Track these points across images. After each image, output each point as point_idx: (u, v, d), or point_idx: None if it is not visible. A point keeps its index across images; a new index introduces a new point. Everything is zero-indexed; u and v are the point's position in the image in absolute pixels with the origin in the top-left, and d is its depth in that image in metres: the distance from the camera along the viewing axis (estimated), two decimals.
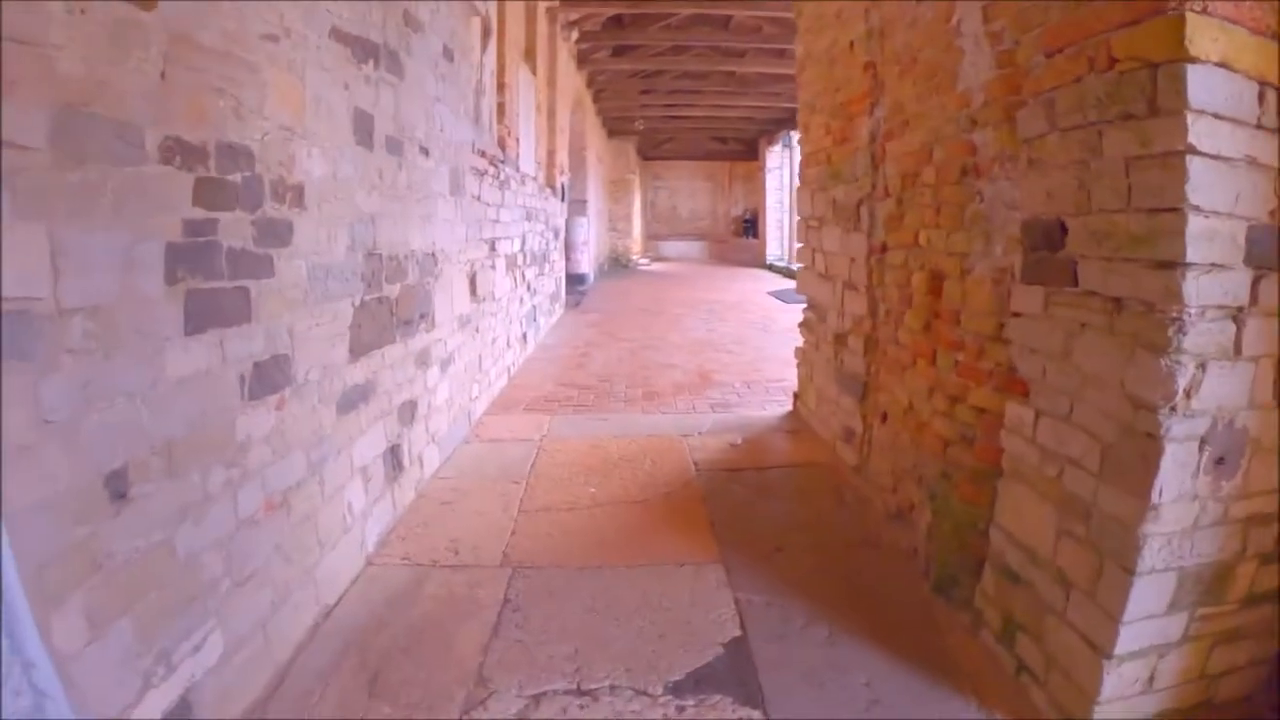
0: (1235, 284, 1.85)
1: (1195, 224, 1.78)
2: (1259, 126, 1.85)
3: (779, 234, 25.07)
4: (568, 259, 14.04)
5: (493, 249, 5.55)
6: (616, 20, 11.99)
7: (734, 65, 13.97)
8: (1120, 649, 1.96)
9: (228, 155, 2.09)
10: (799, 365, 5.40)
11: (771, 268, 23.26)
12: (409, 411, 3.73)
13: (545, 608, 2.79)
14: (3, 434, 1.35)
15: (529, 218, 7.26)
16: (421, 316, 3.86)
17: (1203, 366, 1.83)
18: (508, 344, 6.35)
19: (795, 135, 20.14)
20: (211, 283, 2.04)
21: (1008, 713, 2.24)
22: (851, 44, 4.13)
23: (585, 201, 15.55)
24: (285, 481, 2.48)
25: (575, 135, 14.22)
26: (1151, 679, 2.04)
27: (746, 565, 3.14)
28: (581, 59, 12.81)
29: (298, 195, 2.49)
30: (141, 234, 1.74)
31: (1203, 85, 1.77)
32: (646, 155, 27.76)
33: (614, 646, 2.53)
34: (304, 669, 2.39)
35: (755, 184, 28.60)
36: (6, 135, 1.34)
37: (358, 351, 3.06)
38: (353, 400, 3.03)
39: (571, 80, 12.04)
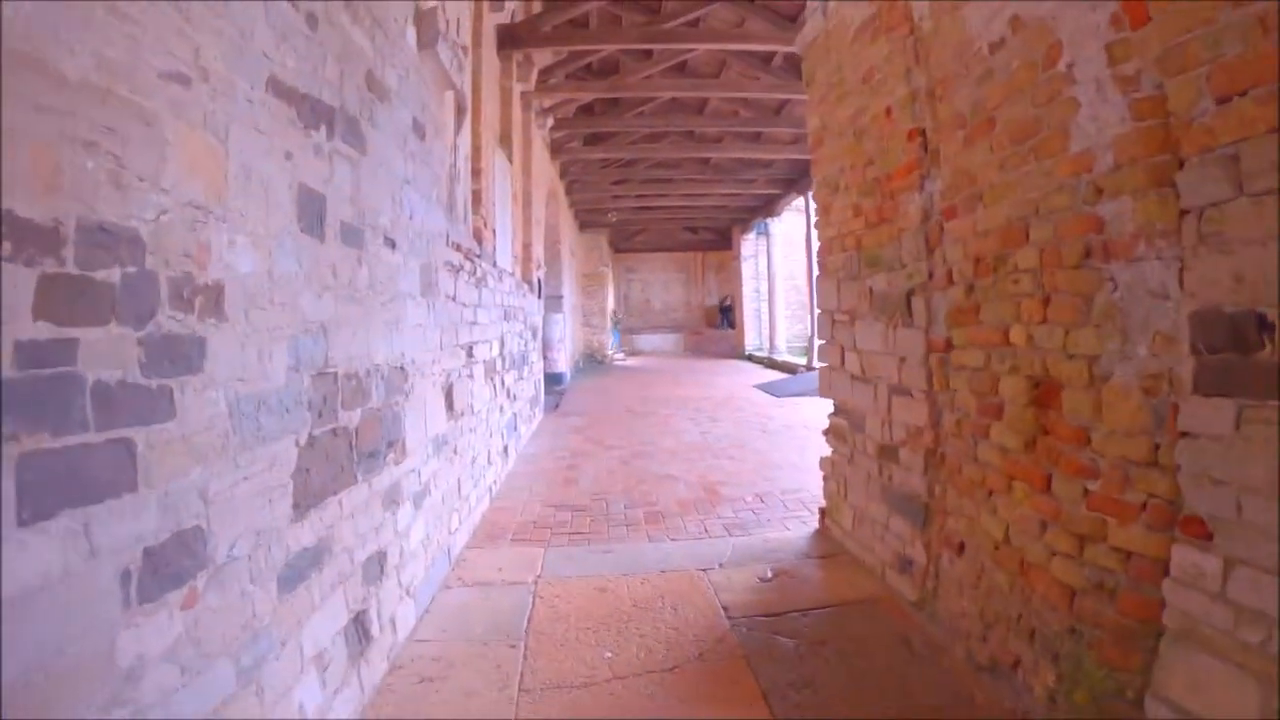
0: None
1: None
2: None
3: (757, 323, 24.85)
4: (544, 358, 13.45)
5: (470, 355, 4.89)
6: (589, 109, 11.80)
7: (709, 151, 13.82)
8: None
9: (99, 242, 1.43)
10: (827, 479, 4.73)
11: (751, 358, 22.90)
12: (377, 566, 2.97)
13: None
14: None
15: (507, 317, 6.65)
16: (389, 445, 3.15)
17: None
18: (489, 460, 5.62)
19: (772, 222, 20.24)
20: (65, 438, 1.35)
21: None
22: (889, 110, 3.64)
23: (561, 297, 15.07)
24: (204, 707, 1.73)
25: (550, 228, 13.85)
26: None
27: None
28: (555, 149, 12.55)
29: (213, 300, 1.82)
30: None
31: None
32: (619, 248, 27.72)
33: None
34: None
35: (728, 273, 28.61)
36: None
37: (306, 504, 2.33)
38: (301, 570, 2.29)
39: (546, 170, 11.71)
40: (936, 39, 3.22)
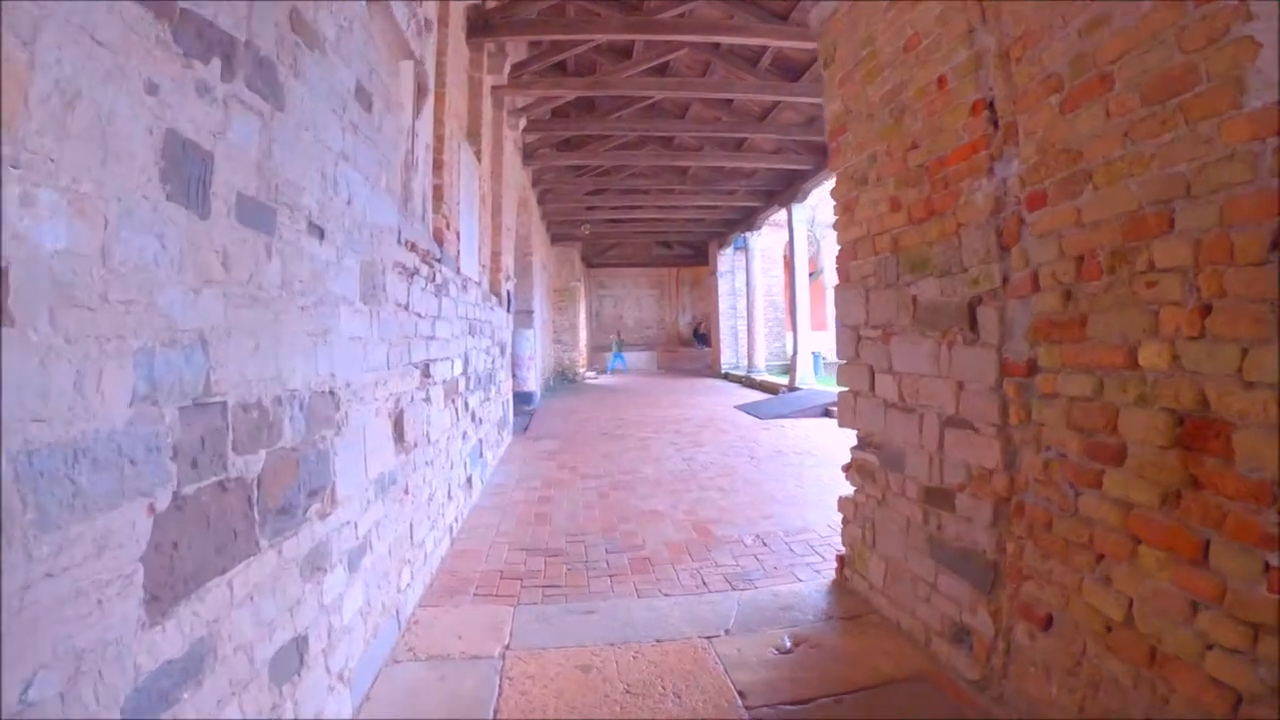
0: None
1: None
2: None
3: (733, 341, 24.31)
4: (514, 376, 12.74)
5: (427, 375, 4.16)
6: (564, 112, 11.17)
7: (689, 160, 13.24)
8: None
9: None
10: (847, 522, 4.07)
11: (728, 377, 22.34)
12: (293, 658, 2.23)
13: None
14: None
15: (472, 331, 5.92)
16: (312, 495, 2.42)
17: None
18: (449, 495, 4.88)
19: (750, 236, 19.69)
20: None
21: None
22: (942, 81, 3.01)
23: (531, 312, 14.35)
24: None
25: (521, 239, 13.14)
26: None
27: None
28: (528, 153, 11.87)
29: None
30: None
31: None
32: (591, 262, 27.15)
33: None
34: None
35: (703, 289, 28.15)
36: None
37: (171, 596, 1.60)
38: (165, 692, 1.57)
39: (518, 175, 11.03)
40: None
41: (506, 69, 7.78)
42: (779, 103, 11.46)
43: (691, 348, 29.04)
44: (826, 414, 11.56)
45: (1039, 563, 2.58)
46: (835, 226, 4.02)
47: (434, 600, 3.97)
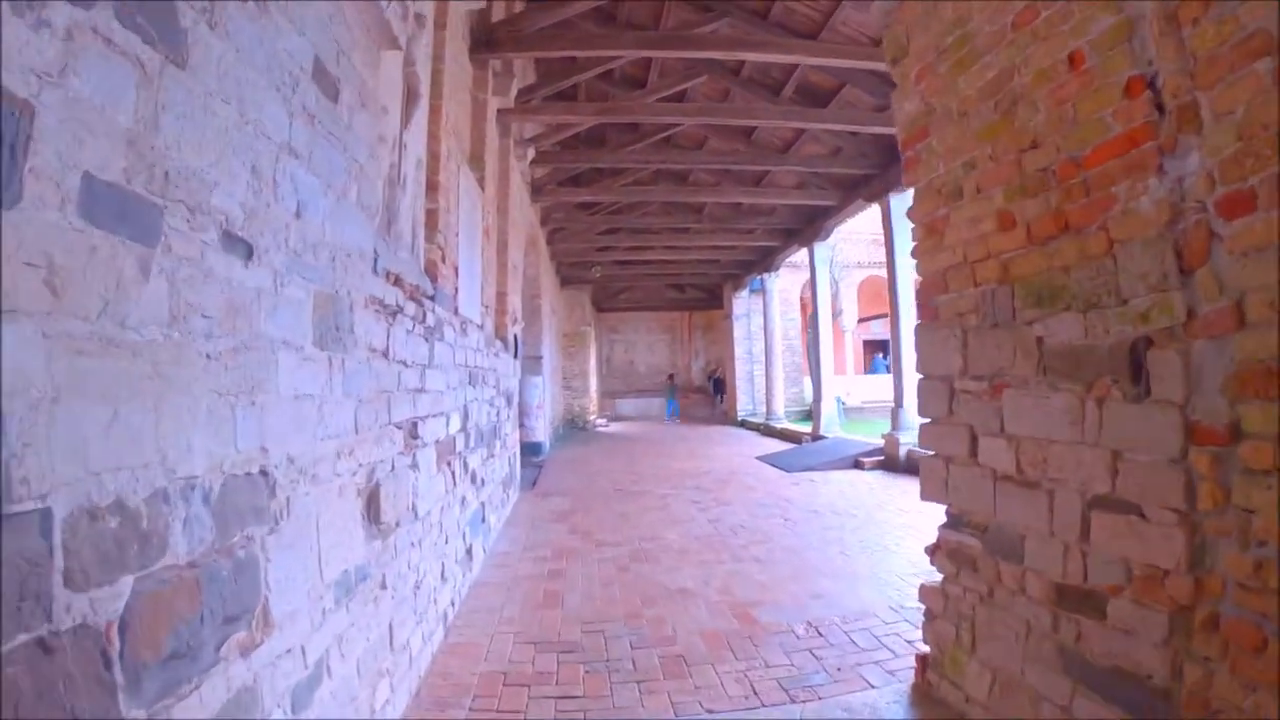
0: None
1: None
2: None
3: (749, 387, 23.60)
4: (521, 425, 12.06)
5: (414, 436, 3.45)
6: (573, 144, 10.64)
7: (707, 195, 12.67)
8: None
9: None
10: (934, 617, 3.29)
11: (745, 424, 21.58)
12: None
13: None
14: None
15: (472, 381, 5.22)
16: (230, 623, 1.70)
17: None
18: (442, 576, 4.13)
19: (768, 277, 19.05)
20: None
21: None
22: (1075, 59, 2.34)
23: (540, 358, 13.69)
24: None
25: (529, 280, 12.55)
26: None
27: None
28: (536, 189, 11.31)
29: None
30: None
31: None
32: (602, 306, 26.63)
33: None
34: None
35: (717, 333, 27.52)
36: None
37: None
38: None
39: (525, 212, 10.47)
40: None
41: (513, 91, 7.21)
42: (803, 133, 10.93)
43: (705, 394, 28.31)
44: (857, 465, 10.79)
45: (1238, 696, 1.85)
46: (915, 254, 3.32)
47: (420, 713, 3.21)
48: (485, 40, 6.20)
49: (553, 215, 13.87)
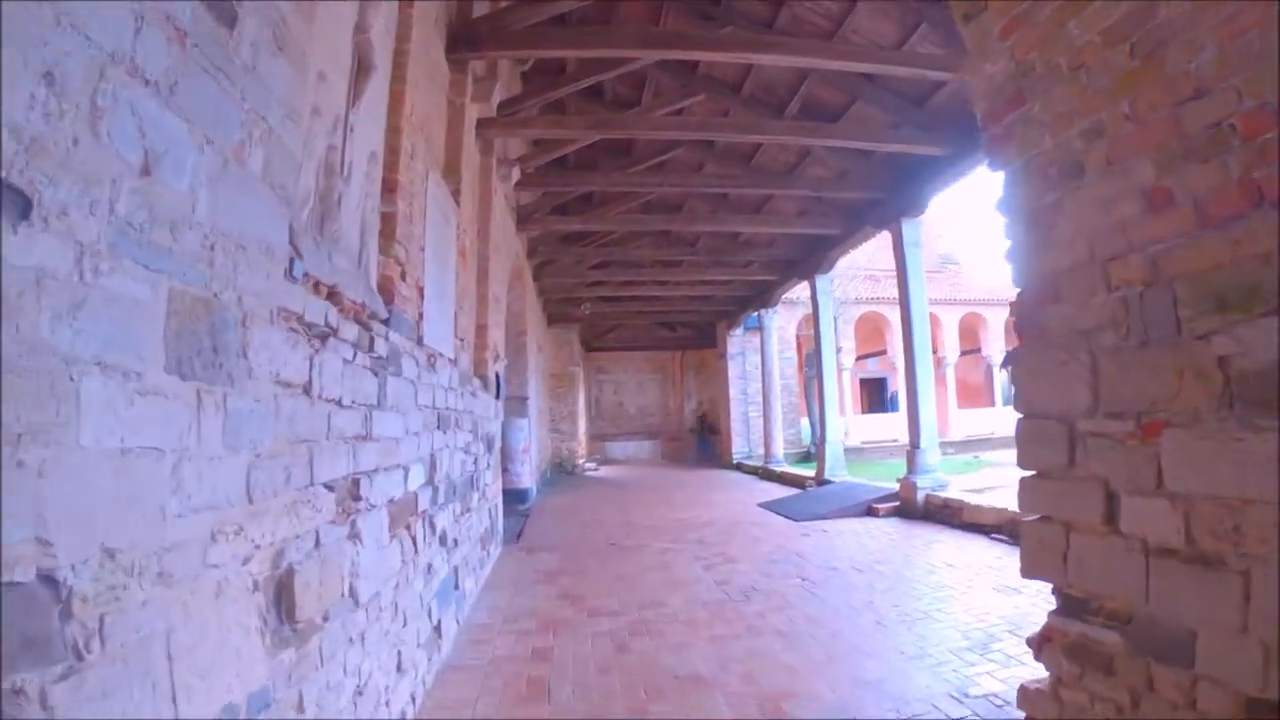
0: None
1: None
2: None
3: (745, 428, 22.85)
4: (505, 470, 11.26)
5: (354, 497, 2.66)
6: (562, 167, 9.99)
7: (706, 223, 12.07)
8: None
9: None
10: None
11: (740, 467, 20.76)
12: None
13: None
14: None
15: (443, 425, 4.44)
16: None
17: None
18: (398, 668, 3.32)
19: (766, 313, 18.38)
20: None
21: None
22: None
23: (526, 399, 12.89)
24: None
25: (514, 316, 11.82)
26: None
27: None
28: (521, 217, 10.63)
29: None
30: None
31: None
32: (590, 346, 25.94)
33: None
34: None
35: (709, 373, 26.85)
36: None
37: None
38: None
39: (510, 240, 9.76)
40: None
41: (496, 99, 6.54)
42: (807, 155, 10.36)
43: (696, 436, 27.53)
44: (870, 512, 10.00)
45: None
46: (1009, 255, 2.61)
47: None
48: (465, 38, 5.53)
49: (540, 247, 13.20)
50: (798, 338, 24.30)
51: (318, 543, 2.29)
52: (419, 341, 3.93)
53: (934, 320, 24.33)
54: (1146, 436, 2.04)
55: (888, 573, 6.53)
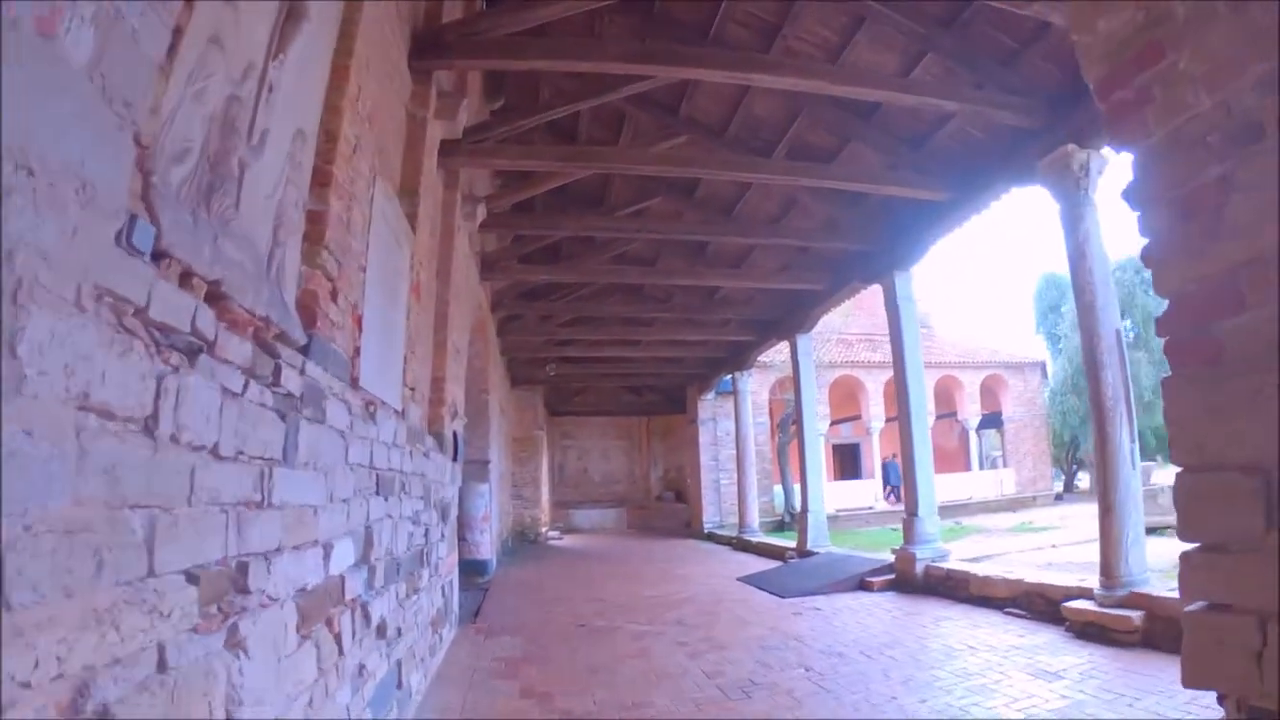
0: None
1: None
2: None
3: (716, 496, 22.07)
4: (464, 540, 10.37)
5: (240, 589, 1.86)
6: (528, 210, 9.37)
7: (682, 278, 11.50)
8: None
9: None
10: None
11: (712, 537, 19.87)
12: None
13: None
14: None
15: (383, 489, 3.64)
16: None
17: None
18: None
19: (741, 376, 17.63)
20: None
21: None
22: None
23: (488, 463, 12.01)
24: None
25: (476, 373, 11.04)
26: None
27: None
28: (485, 267, 9.94)
29: None
30: None
31: None
32: (556, 410, 25.15)
33: None
34: None
35: (677, 440, 26.14)
36: None
37: None
38: None
39: (474, 290, 9.06)
40: None
41: (462, 119, 5.88)
42: (792, 207, 9.85)
43: (664, 504, 26.68)
44: (863, 586, 9.21)
45: None
46: (1149, 254, 1.95)
47: None
48: (431, 44, 4.87)
49: (504, 300, 12.48)
50: (770, 402, 23.71)
51: (162, 664, 1.49)
52: (353, 384, 3.16)
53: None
54: None
55: (902, 658, 5.74)
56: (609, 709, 4.75)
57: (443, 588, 6.31)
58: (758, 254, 11.62)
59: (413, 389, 4.76)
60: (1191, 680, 1.88)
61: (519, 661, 6.15)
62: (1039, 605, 6.77)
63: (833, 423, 26.61)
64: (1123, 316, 27.96)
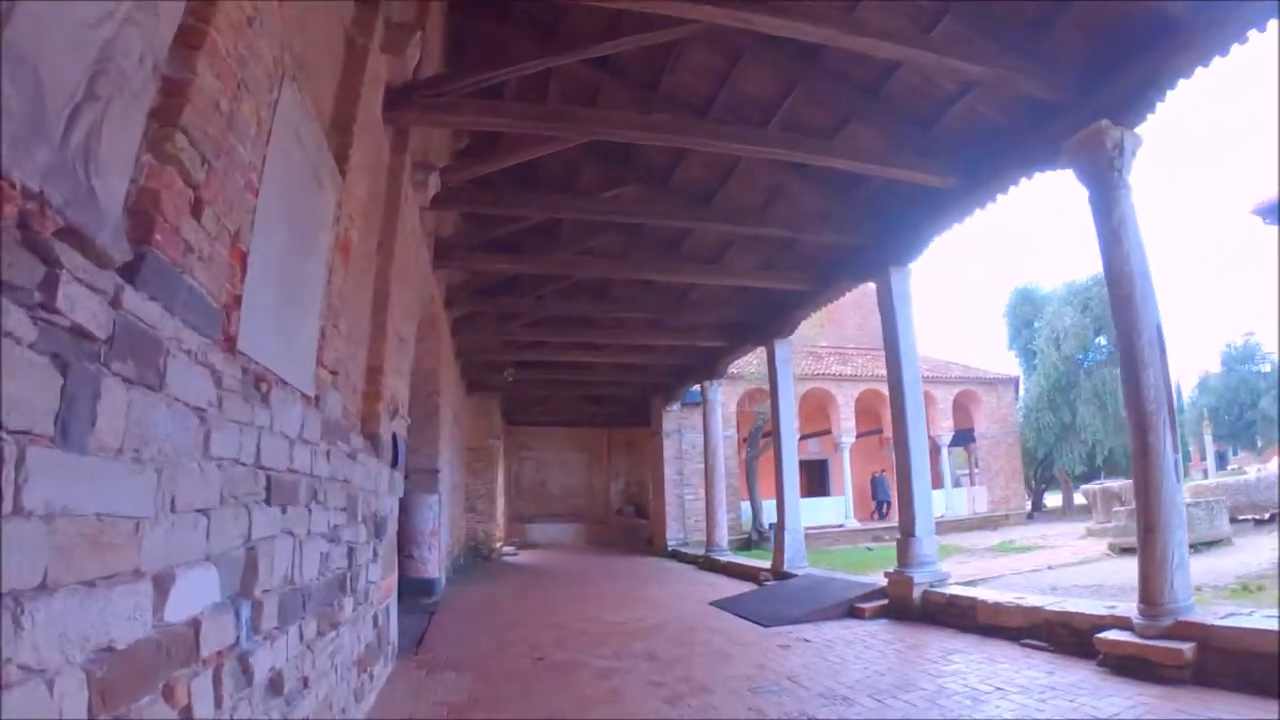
0: None
1: None
2: None
3: (680, 512, 21.22)
4: (407, 557, 9.43)
5: None
6: (489, 186, 8.47)
7: (654, 273, 10.71)
8: None
9: None
10: None
11: (677, 555, 18.95)
12: None
13: None
14: None
15: (278, 496, 2.71)
16: None
17: None
18: None
19: (710, 386, 16.71)
20: None
21: None
22: None
23: (437, 472, 11.03)
24: None
25: (426, 374, 10.11)
26: None
27: None
28: (440, 254, 9.01)
29: None
30: None
31: None
32: (513, 419, 24.19)
33: None
34: None
35: (639, 453, 25.35)
36: None
37: None
38: None
39: (425, 277, 8.13)
40: None
41: (412, 60, 4.98)
42: (777, 198, 9.10)
43: (624, 520, 25.84)
44: (853, 613, 8.41)
45: None
46: None
47: None
48: None
49: (460, 296, 11.53)
50: (739, 414, 22.97)
51: None
52: (226, 344, 2.26)
53: (878, 399, 23.41)
54: None
55: (921, 704, 4.90)
56: None
57: (375, 616, 5.36)
58: (736, 250, 10.83)
59: (334, 372, 3.84)
60: None
61: (464, 707, 5.21)
62: (1062, 636, 6.03)
63: (801, 438, 25.99)
64: (1098, 334, 27.86)
